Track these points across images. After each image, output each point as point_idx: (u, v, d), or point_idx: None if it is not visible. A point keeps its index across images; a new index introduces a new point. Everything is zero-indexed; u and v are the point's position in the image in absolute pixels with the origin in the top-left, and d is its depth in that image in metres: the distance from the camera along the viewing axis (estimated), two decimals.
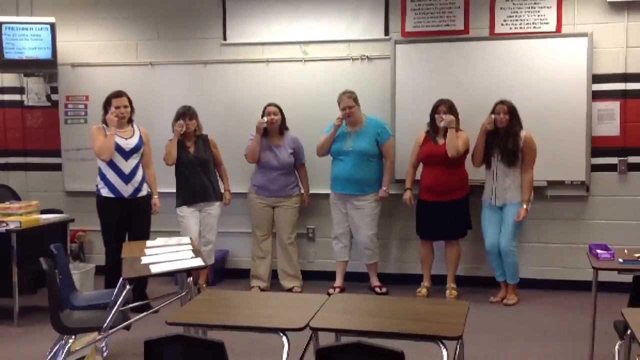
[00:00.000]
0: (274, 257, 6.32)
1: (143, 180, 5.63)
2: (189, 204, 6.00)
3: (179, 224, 6.04)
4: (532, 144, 5.61)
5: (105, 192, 5.51)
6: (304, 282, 6.33)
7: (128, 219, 5.55)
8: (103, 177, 5.51)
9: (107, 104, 5.53)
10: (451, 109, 5.76)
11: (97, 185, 5.57)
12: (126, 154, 5.49)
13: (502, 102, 5.59)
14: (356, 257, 6.26)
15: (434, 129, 5.88)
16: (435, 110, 5.80)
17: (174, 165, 5.99)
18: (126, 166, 5.49)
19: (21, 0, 6.98)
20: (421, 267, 6.11)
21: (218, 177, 6.21)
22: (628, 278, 3.87)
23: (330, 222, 6.30)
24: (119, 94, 5.55)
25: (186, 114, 5.94)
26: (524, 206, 5.60)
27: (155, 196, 5.78)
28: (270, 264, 6.29)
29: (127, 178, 5.49)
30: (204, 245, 6.02)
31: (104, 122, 5.52)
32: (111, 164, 5.45)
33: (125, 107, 5.52)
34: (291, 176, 6.23)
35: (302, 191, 6.33)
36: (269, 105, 6.09)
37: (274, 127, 6.10)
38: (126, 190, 5.50)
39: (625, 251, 4.40)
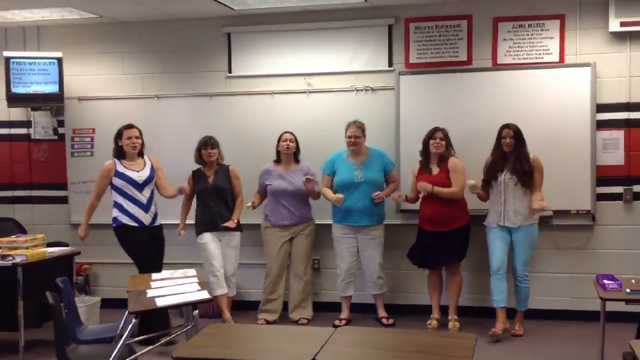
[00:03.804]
0: (285, 289, 6.31)
1: (156, 210, 5.71)
2: (209, 230, 6.03)
3: (199, 255, 6.09)
4: (540, 165, 5.62)
5: (127, 220, 5.54)
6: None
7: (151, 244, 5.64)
8: (121, 209, 5.55)
9: (118, 137, 5.63)
10: (446, 136, 5.82)
11: (116, 218, 5.57)
12: (140, 186, 5.57)
13: (507, 127, 5.60)
14: (360, 289, 6.24)
15: (426, 157, 5.89)
16: (430, 137, 5.82)
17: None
18: (142, 197, 5.58)
19: (28, 36, 7.07)
20: (429, 298, 6.07)
21: None
22: (636, 308, 3.85)
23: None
24: (130, 126, 5.66)
25: (208, 143, 6.03)
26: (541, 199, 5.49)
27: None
28: (283, 297, 6.29)
29: (145, 207, 5.58)
30: (226, 275, 6.05)
31: (116, 155, 5.62)
32: (128, 197, 5.53)
33: (137, 137, 5.62)
34: (306, 204, 6.26)
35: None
36: (286, 132, 6.17)
37: (289, 153, 6.15)
38: (146, 218, 5.59)
39: (633, 281, 4.38)
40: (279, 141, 6.17)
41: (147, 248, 5.59)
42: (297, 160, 6.23)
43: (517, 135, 5.58)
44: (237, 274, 6.37)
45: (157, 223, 5.70)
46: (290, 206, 6.15)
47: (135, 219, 5.54)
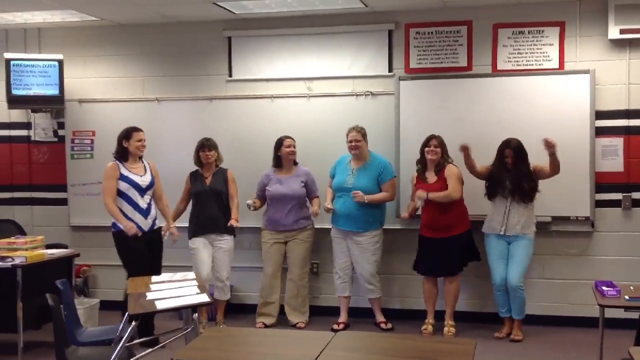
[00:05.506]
0: (282, 292, 6.30)
1: (156, 213, 5.69)
2: (200, 234, 6.03)
3: (190, 258, 6.07)
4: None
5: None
6: (308, 318, 6.30)
7: (147, 251, 5.57)
8: (122, 213, 5.50)
9: (125, 138, 5.56)
10: (442, 144, 5.83)
11: (115, 223, 5.50)
12: (142, 191, 5.54)
13: (508, 146, 5.60)
14: (359, 292, 6.24)
15: (423, 165, 5.90)
16: (426, 144, 5.84)
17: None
18: (143, 202, 5.55)
19: (29, 38, 7.08)
20: (424, 304, 6.07)
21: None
22: (635, 315, 3.86)
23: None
24: (139, 128, 5.62)
25: (205, 145, 6.03)
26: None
27: (173, 225, 5.81)
28: (279, 300, 6.28)
29: (145, 213, 5.55)
30: (217, 280, 6.05)
31: (119, 157, 5.57)
32: (129, 201, 5.49)
33: (145, 141, 5.62)
34: (303, 208, 6.23)
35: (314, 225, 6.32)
36: (287, 137, 6.17)
37: (292, 159, 6.18)
38: (146, 224, 5.55)
39: (631, 288, 4.39)
40: (280, 146, 6.16)
41: (140, 257, 5.52)
42: (295, 163, 6.25)
43: (518, 152, 5.59)
44: (235, 278, 6.38)
45: (156, 226, 5.67)
46: (287, 211, 6.14)
47: (135, 224, 5.51)
